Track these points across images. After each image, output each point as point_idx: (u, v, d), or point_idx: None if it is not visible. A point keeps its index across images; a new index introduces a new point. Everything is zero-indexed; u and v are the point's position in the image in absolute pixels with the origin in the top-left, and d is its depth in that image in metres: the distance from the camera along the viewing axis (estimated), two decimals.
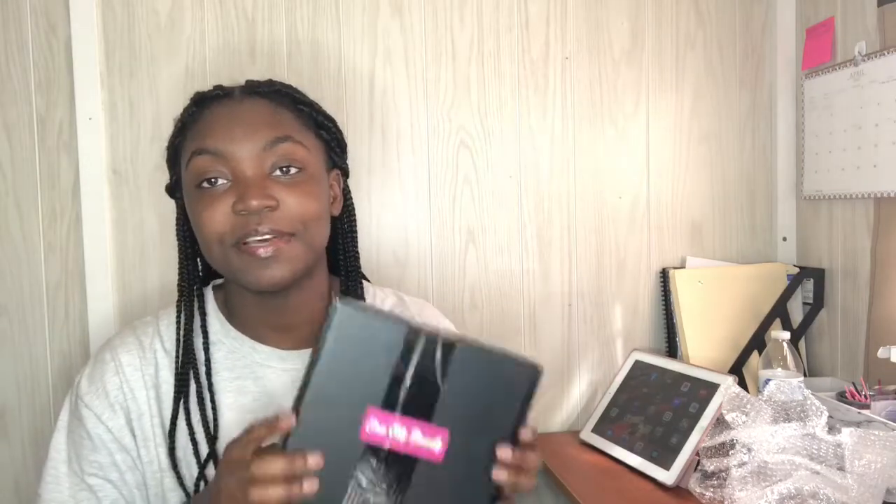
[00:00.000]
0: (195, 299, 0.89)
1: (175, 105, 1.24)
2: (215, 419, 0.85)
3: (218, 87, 0.88)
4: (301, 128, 0.87)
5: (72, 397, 0.86)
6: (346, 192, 0.96)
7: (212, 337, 0.88)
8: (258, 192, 0.79)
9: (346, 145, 0.96)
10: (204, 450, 0.84)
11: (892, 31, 1.20)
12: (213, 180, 0.81)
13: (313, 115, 0.90)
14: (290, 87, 0.90)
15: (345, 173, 0.96)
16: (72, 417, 0.85)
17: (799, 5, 1.44)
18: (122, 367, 0.85)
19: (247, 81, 0.90)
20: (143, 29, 1.23)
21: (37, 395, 1.22)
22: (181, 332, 0.87)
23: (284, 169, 0.82)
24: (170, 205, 1.23)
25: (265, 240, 0.79)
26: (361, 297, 0.94)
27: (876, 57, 1.22)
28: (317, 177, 0.86)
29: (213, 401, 0.85)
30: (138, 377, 0.85)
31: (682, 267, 1.44)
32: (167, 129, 1.22)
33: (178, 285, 0.90)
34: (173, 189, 0.92)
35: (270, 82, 0.90)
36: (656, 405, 1.18)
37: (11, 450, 1.22)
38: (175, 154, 0.89)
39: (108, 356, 0.86)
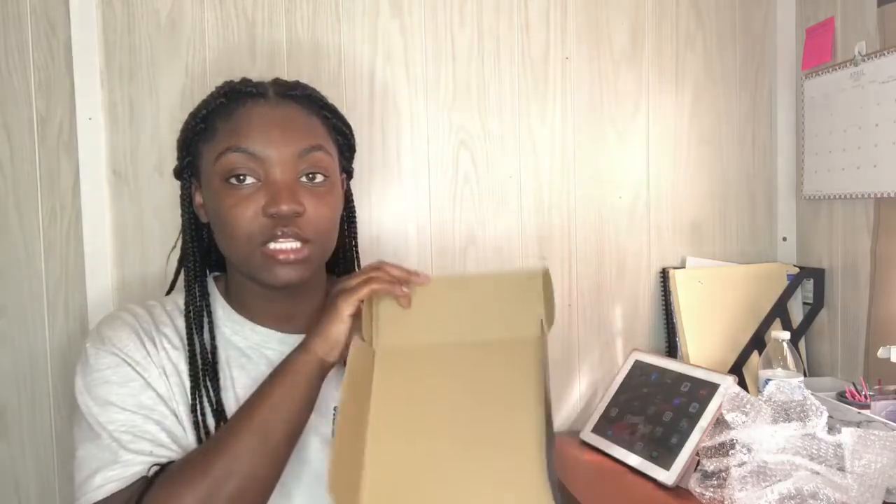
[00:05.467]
0: (203, 284, 0.92)
1: (175, 105, 1.24)
2: (220, 400, 0.86)
3: (248, 82, 0.89)
4: (326, 135, 0.90)
5: (86, 358, 0.85)
6: (349, 195, 0.98)
7: (216, 321, 0.92)
8: (290, 197, 0.82)
9: (355, 150, 0.99)
10: (211, 422, 0.85)
11: (892, 31, 1.20)
12: (241, 177, 0.84)
13: (335, 122, 0.93)
14: (315, 91, 0.92)
15: (349, 176, 0.99)
16: (97, 374, 0.83)
17: (799, 5, 1.44)
18: (140, 332, 0.87)
19: (276, 80, 0.91)
20: (143, 29, 1.23)
21: (37, 395, 1.22)
22: (192, 312, 0.89)
23: (311, 176, 0.86)
24: (169, 205, 1.25)
25: (287, 242, 0.83)
26: None
27: (876, 57, 1.22)
28: (336, 184, 0.91)
29: (217, 379, 0.87)
30: (151, 346, 0.87)
31: (682, 267, 1.44)
32: (167, 130, 1.24)
33: (185, 269, 0.92)
34: (181, 172, 0.93)
35: (300, 85, 0.91)
36: (656, 405, 1.18)
37: (11, 449, 1.22)
38: (192, 138, 0.90)
39: (128, 318, 0.88)
